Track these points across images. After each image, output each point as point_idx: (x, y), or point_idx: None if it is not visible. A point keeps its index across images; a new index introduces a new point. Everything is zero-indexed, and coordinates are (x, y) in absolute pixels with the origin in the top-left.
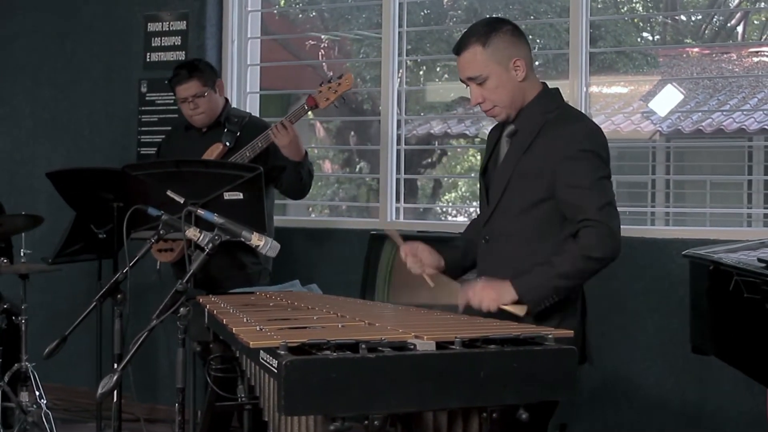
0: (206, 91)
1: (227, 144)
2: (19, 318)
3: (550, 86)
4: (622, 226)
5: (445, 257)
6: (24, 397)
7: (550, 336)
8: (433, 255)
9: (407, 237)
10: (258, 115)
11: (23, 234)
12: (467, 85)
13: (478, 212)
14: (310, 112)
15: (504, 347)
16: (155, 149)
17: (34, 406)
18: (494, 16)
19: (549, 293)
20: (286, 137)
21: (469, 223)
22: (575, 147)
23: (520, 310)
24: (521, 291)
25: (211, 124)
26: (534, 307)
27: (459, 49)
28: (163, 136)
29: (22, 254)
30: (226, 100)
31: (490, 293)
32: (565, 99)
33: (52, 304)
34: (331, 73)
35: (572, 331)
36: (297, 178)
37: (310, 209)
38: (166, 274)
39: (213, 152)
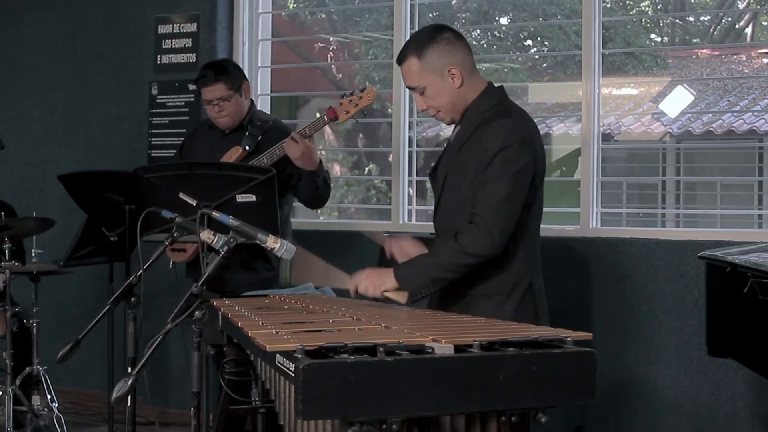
0: (231, 95)
1: (246, 148)
2: (31, 321)
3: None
4: (634, 228)
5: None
6: (36, 400)
7: (569, 339)
8: (418, 247)
9: (419, 239)
10: (279, 119)
11: (34, 237)
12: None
13: None
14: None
15: (523, 350)
16: (167, 151)
17: (46, 410)
18: (436, 24)
19: (427, 283)
20: (297, 150)
21: None
22: (492, 144)
23: (401, 297)
24: (400, 279)
25: (234, 127)
26: (412, 294)
27: (399, 60)
28: (180, 136)
29: (33, 257)
30: (252, 102)
31: (374, 280)
32: (576, 101)
33: (64, 307)
34: (356, 89)
35: (591, 334)
36: (312, 188)
37: (319, 212)
38: (179, 273)
39: (232, 155)
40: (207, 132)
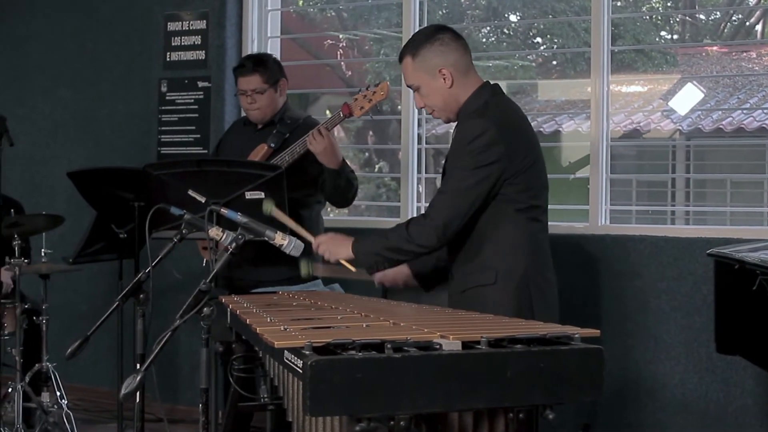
0: (266, 89)
1: (272, 146)
2: (40, 318)
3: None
4: (644, 225)
5: None
6: (45, 397)
7: (576, 336)
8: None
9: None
10: (311, 117)
11: (43, 234)
12: None
13: None
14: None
15: (530, 347)
16: (176, 148)
17: (55, 407)
18: (437, 24)
19: (380, 260)
20: (321, 144)
21: None
22: (460, 142)
23: (352, 268)
24: (355, 252)
25: (266, 122)
26: (367, 269)
27: (399, 59)
28: (187, 134)
29: (42, 254)
30: (287, 100)
31: (331, 247)
32: (586, 98)
33: (73, 304)
34: (370, 84)
35: (598, 331)
36: (334, 187)
37: (329, 209)
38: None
39: (258, 153)
40: (241, 129)
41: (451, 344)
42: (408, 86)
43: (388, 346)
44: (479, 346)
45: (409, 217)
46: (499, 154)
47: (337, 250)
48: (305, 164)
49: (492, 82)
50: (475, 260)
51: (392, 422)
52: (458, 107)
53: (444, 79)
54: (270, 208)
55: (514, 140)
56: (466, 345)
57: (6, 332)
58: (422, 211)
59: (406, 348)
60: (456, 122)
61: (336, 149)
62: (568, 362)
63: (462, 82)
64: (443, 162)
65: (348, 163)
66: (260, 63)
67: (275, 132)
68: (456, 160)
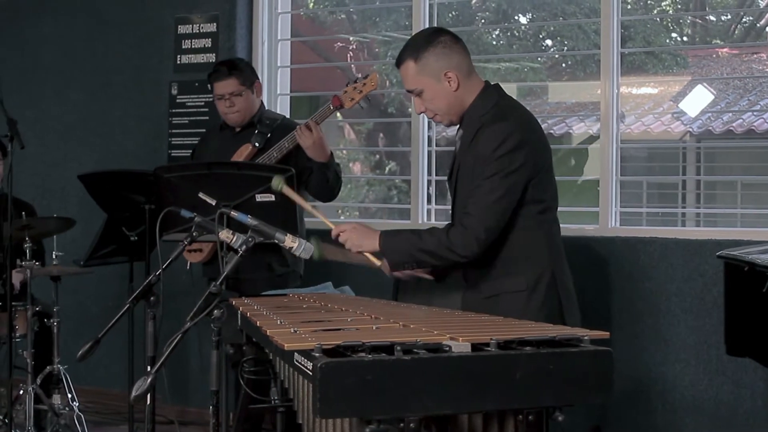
0: (243, 91)
1: (256, 145)
2: (51, 320)
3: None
4: (654, 227)
5: None
6: (56, 399)
7: (586, 338)
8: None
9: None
10: (288, 117)
11: (55, 236)
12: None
13: None
14: (337, 113)
15: (540, 349)
16: (186, 151)
17: (67, 409)
18: (434, 27)
19: (409, 260)
20: (309, 138)
21: None
22: (487, 149)
23: (376, 261)
24: (384, 248)
25: (244, 124)
26: (393, 266)
27: (397, 63)
28: (198, 138)
29: (54, 257)
30: (262, 102)
31: (356, 238)
32: (596, 100)
33: (84, 307)
34: (359, 75)
35: (608, 333)
36: (323, 180)
37: (339, 211)
38: (196, 274)
39: (242, 153)
40: (218, 133)
41: (460, 346)
42: (408, 91)
43: (398, 348)
44: (488, 348)
45: (419, 219)
46: (525, 156)
47: (363, 242)
48: (290, 162)
49: (493, 83)
50: (499, 266)
51: (402, 424)
52: (462, 110)
53: (449, 82)
54: (280, 184)
55: (536, 141)
56: (475, 347)
57: (17, 334)
58: (432, 214)
59: (415, 350)
60: (459, 126)
61: (324, 143)
62: (577, 364)
63: (467, 84)
64: (453, 165)
65: (334, 156)
66: (234, 67)
67: (257, 132)
68: (485, 168)
